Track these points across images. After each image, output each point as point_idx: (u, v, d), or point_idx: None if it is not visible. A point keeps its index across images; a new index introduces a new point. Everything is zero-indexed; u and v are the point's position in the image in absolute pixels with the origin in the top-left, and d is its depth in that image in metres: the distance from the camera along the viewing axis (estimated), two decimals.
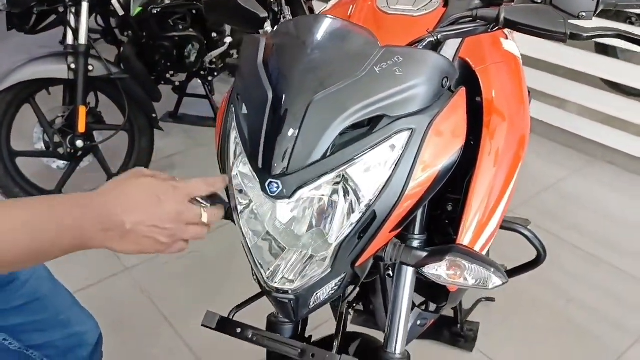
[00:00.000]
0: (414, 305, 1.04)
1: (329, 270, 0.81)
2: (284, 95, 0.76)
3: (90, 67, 2.37)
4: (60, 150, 2.40)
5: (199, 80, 3.19)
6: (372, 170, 0.76)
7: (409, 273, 0.95)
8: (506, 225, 1.17)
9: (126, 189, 0.77)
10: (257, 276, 0.85)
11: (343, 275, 0.83)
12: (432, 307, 1.46)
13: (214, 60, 3.11)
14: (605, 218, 2.54)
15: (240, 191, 0.86)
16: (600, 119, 2.90)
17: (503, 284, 0.80)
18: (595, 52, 3.08)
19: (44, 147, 2.44)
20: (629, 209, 2.61)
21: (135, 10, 2.62)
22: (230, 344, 1.91)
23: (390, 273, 1.02)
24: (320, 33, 0.82)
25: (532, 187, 2.69)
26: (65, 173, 2.47)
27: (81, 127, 2.37)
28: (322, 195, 0.79)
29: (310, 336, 1.09)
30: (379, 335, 1.10)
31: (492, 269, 0.80)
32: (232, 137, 0.85)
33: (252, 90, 0.81)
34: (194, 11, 2.88)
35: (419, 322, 1.29)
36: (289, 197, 0.76)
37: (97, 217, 0.73)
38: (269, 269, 0.84)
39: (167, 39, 2.81)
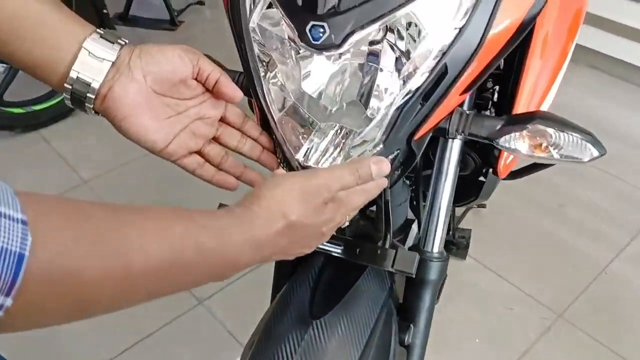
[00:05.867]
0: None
1: (381, 145, 0.64)
2: None
3: None
4: None
5: None
6: (446, 9, 0.59)
7: (454, 152, 0.80)
8: None
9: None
10: (286, 158, 0.68)
11: (396, 153, 0.66)
12: None
13: None
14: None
15: (260, 53, 0.67)
16: None
17: (601, 155, 0.65)
18: None
19: None
20: None
21: None
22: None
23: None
24: None
25: None
26: (7, 76, 2.18)
27: None
28: (374, 47, 0.61)
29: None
30: None
31: (589, 137, 0.65)
32: None
33: None
34: None
35: None
36: (338, 46, 0.58)
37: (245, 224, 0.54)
38: (300, 148, 0.66)
39: None
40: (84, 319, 0.43)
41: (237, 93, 0.66)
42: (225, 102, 0.68)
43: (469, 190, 1.03)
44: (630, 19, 2.59)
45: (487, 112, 1.05)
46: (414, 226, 1.27)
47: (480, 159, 0.94)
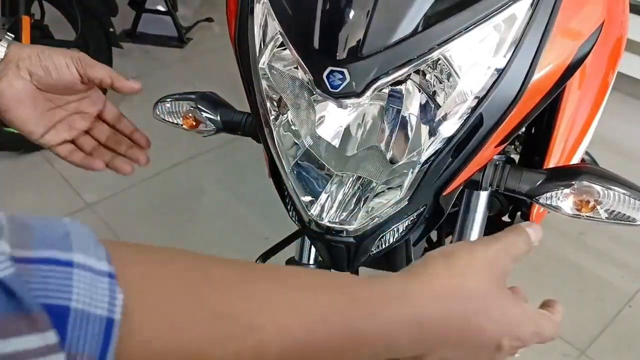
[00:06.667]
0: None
1: (406, 202, 0.57)
2: None
3: None
4: None
5: None
6: (482, 52, 0.52)
7: (481, 201, 0.73)
8: None
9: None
10: (296, 212, 0.61)
11: (422, 209, 0.59)
12: None
13: None
14: None
15: (270, 95, 0.60)
16: None
17: None
18: None
19: None
20: None
21: None
22: None
23: None
24: None
25: None
26: None
27: (26, 42, 2.01)
28: (396, 88, 0.54)
29: None
30: None
31: None
32: (259, 11, 0.58)
33: None
34: None
35: None
36: (359, 95, 0.51)
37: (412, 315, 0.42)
38: (314, 202, 0.59)
39: None
40: None
41: (134, 86, 0.72)
42: (103, 101, 0.75)
43: (492, 232, 0.96)
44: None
45: (512, 147, 0.98)
46: None
47: (507, 200, 0.87)
